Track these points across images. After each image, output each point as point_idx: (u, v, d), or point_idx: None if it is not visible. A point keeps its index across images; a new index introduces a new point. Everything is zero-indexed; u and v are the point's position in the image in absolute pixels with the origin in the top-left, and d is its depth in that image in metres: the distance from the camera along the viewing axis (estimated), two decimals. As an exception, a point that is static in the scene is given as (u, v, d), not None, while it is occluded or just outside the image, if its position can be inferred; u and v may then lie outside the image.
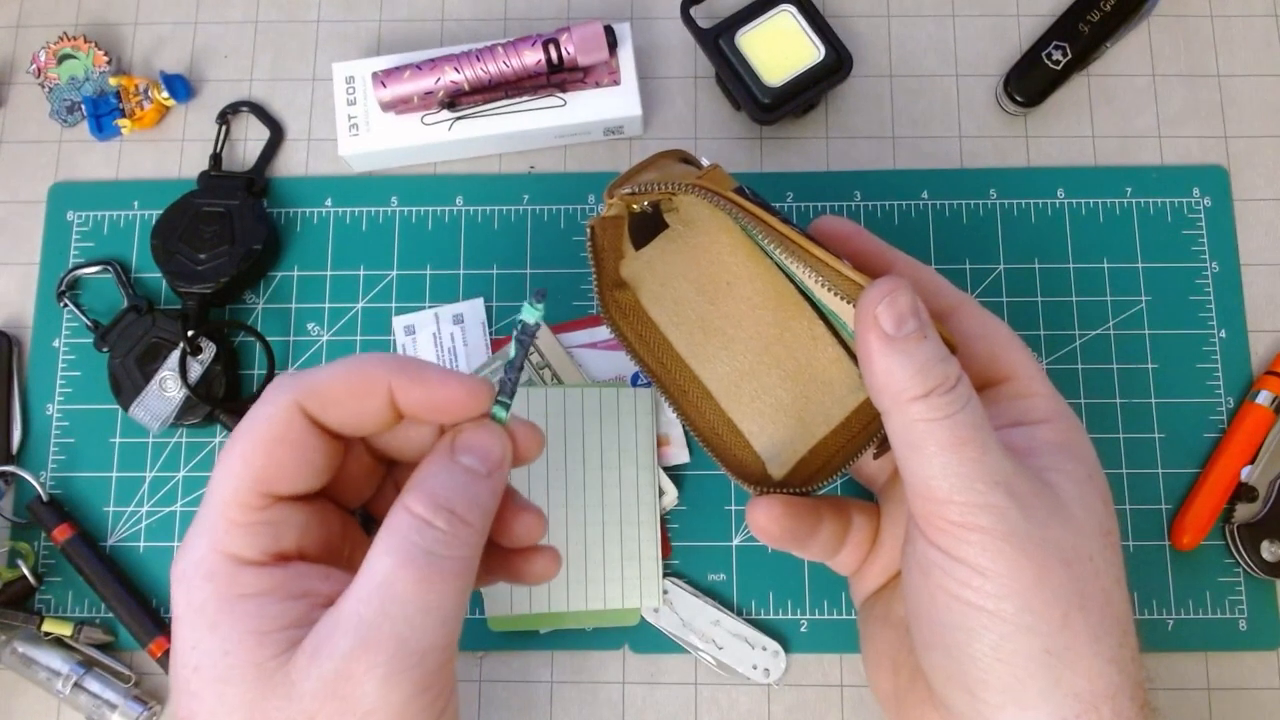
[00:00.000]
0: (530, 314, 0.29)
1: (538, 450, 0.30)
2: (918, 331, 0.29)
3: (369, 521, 0.32)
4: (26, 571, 0.46)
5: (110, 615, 0.46)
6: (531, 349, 0.48)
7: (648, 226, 0.38)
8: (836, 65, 0.48)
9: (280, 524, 0.27)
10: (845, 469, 0.36)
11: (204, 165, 0.51)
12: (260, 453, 0.27)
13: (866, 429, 0.36)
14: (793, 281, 0.38)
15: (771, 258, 0.37)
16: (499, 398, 0.29)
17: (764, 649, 0.45)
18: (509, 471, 0.29)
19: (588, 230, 0.37)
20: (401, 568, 0.25)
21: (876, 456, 0.35)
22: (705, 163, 0.35)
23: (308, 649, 0.25)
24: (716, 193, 0.32)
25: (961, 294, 0.36)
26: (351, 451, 0.30)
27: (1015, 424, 0.33)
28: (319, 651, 0.25)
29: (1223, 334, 0.49)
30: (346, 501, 0.31)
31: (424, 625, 0.25)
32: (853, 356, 0.38)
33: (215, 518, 0.27)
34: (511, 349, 0.29)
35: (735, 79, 0.48)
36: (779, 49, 0.48)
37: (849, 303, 0.31)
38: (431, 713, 0.26)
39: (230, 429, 0.48)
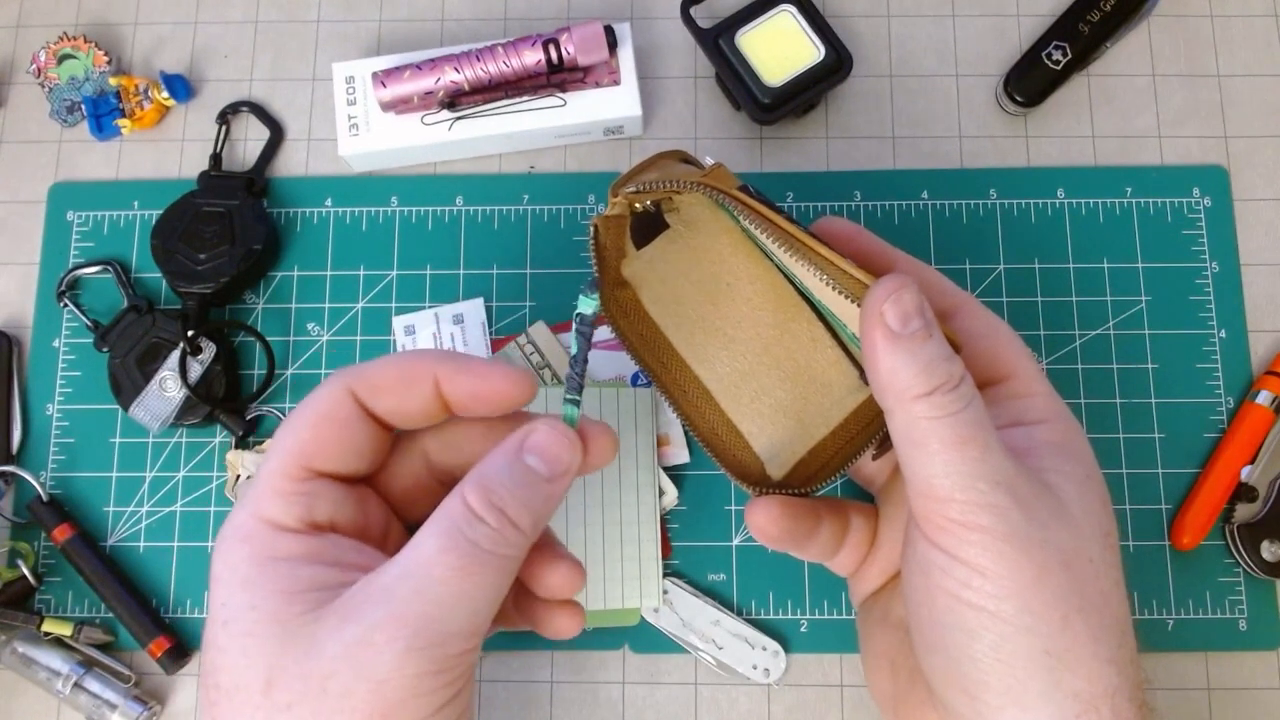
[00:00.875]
0: (586, 305, 0.29)
1: (612, 454, 0.30)
2: (923, 330, 0.29)
3: None
4: (26, 571, 0.46)
5: (110, 615, 0.46)
6: (532, 350, 0.48)
7: (649, 226, 0.38)
8: (836, 65, 0.48)
9: (316, 496, 0.28)
10: (844, 470, 0.36)
11: (204, 165, 0.51)
12: (307, 427, 0.28)
13: (865, 430, 0.36)
14: (793, 283, 0.38)
15: (772, 259, 0.37)
16: (567, 395, 0.29)
17: (764, 649, 0.45)
18: (572, 480, 0.29)
19: (591, 229, 0.37)
20: (444, 552, 0.26)
21: (875, 458, 0.35)
22: (709, 162, 0.35)
23: (337, 611, 0.26)
24: (721, 190, 0.32)
25: (964, 293, 0.36)
26: (405, 455, 0.31)
27: (1014, 424, 0.33)
28: (348, 616, 0.25)
29: (1223, 334, 0.49)
30: (403, 513, 0.32)
31: (454, 611, 0.26)
32: (852, 358, 0.38)
33: (260, 487, 0.28)
34: (573, 344, 0.29)
35: (735, 79, 0.48)
36: (779, 49, 0.48)
37: (853, 301, 0.30)
38: (443, 695, 0.26)
39: (230, 429, 0.48)
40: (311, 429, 0.28)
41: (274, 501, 0.28)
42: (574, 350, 0.29)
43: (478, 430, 0.31)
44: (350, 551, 0.28)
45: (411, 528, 0.30)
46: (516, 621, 0.32)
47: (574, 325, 0.30)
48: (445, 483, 0.31)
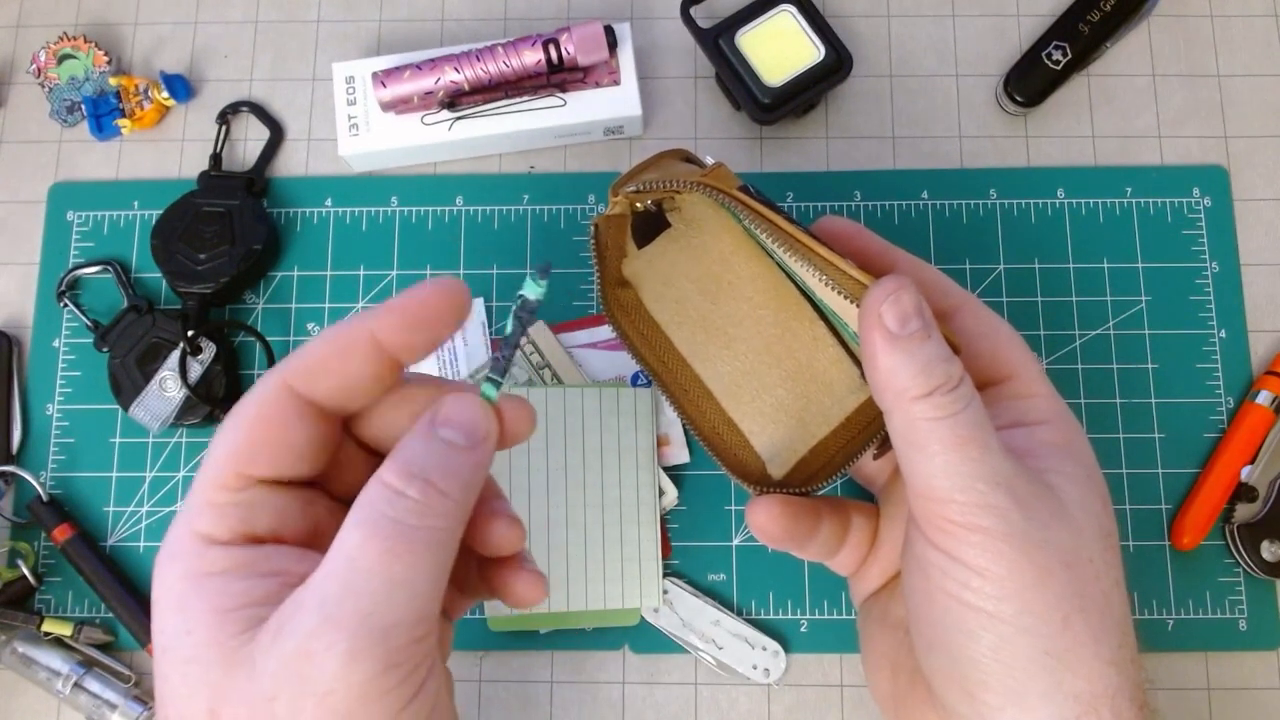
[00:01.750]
0: (532, 289, 0.27)
1: (529, 427, 0.28)
2: (921, 331, 0.29)
3: None
4: (26, 571, 0.46)
5: (110, 615, 0.46)
6: (532, 350, 0.48)
7: (650, 225, 0.38)
8: (836, 65, 0.48)
9: (255, 505, 0.26)
10: (845, 469, 0.36)
11: (204, 165, 0.51)
12: (240, 432, 0.26)
13: (866, 430, 0.36)
14: (794, 282, 0.38)
15: (773, 257, 0.37)
16: (489, 375, 0.27)
17: (764, 649, 0.45)
18: (493, 447, 0.27)
19: (591, 228, 0.37)
20: (368, 540, 0.24)
21: (876, 457, 0.35)
22: (709, 161, 0.35)
23: (271, 627, 0.24)
24: (721, 190, 0.32)
25: (964, 293, 0.36)
26: (351, 452, 0.29)
27: (1015, 425, 0.33)
28: (281, 630, 0.24)
29: (1223, 334, 0.49)
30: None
31: (390, 600, 0.23)
32: (853, 357, 0.38)
33: (192, 500, 0.26)
34: (509, 325, 0.27)
35: (735, 79, 0.48)
36: (779, 49, 0.48)
37: (853, 302, 0.31)
38: (402, 693, 0.24)
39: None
40: (245, 432, 0.26)
41: (206, 514, 0.25)
42: (508, 331, 0.27)
43: (419, 404, 0.28)
44: (293, 560, 0.26)
45: None
46: (481, 591, 0.30)
47: (513, 308, 0.27)
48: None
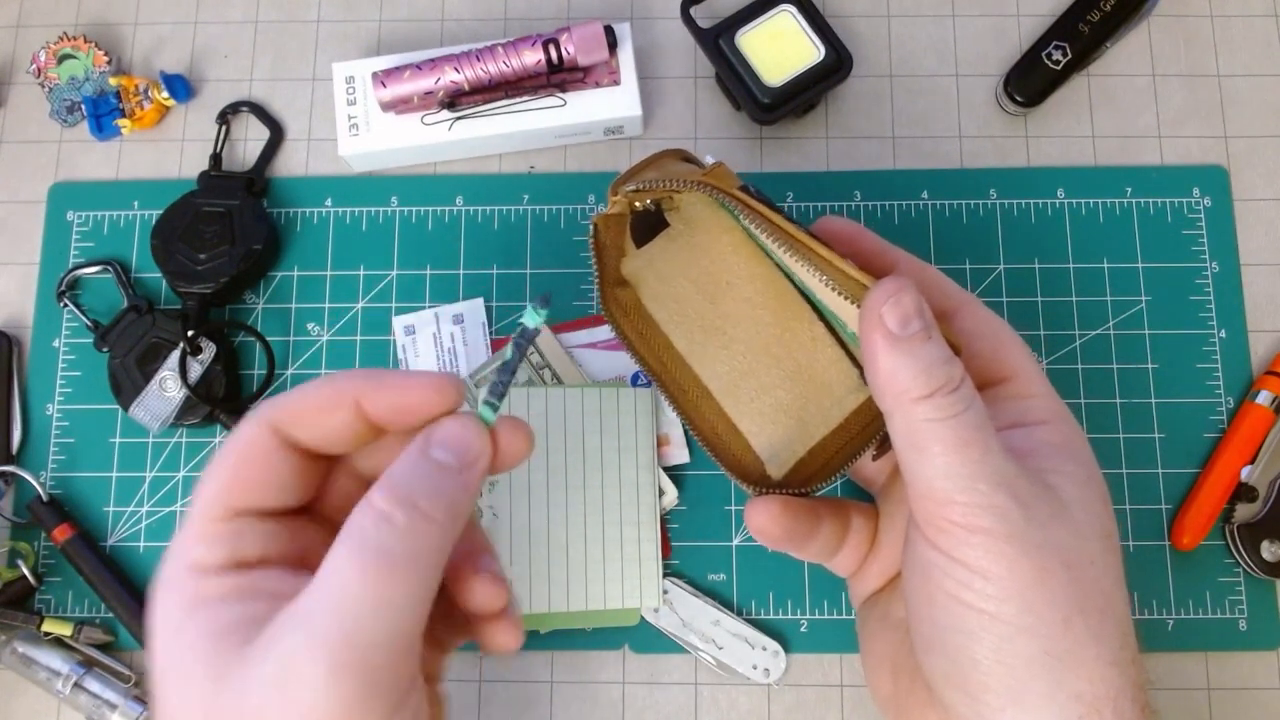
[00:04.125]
0: (532, 318, 0.28)
1: (526, 449, 0.28)
2: (922, 332, 0.29)
3: None
4: (26, 571, 0.46)
5: (110, 615, 0.46)
6: (531, 350, 0.48)
7: (649, 225, 0.38)
8: (836, 65, 0.48)
9: (243, 534, 0.27)
10: (844, 470, 0.36)
11: (204, 165, 0.51)
12: (227, 471, 0.27)
13: (865, 430, 0.36)
14: (793, 282, 0.38)
15: (772, 258, 0.37)
16: (487, 399, 0.28)
17: (764, 649, 0.45)
18: (485, 470, 0.28)
19: (591, 227, 0.37)
20: (352, 563, 0.24)
21: (875, 458, 0.35)
22: (709, 160, 0.35)
23: (260, 645, 0.24)
24: (721, 190, 0.32)
25: (964, 293, 0.36)
26: (341, 475, 0.30)
27: (1015, 425, 0.33)
28: (269, 647, 0.24)
29: (1223, 334, 0.49)
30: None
31: (374, 622, 0.24)
32: (852, 358, 0.38)
33: (184, 534, 0.27)
34: (508, 351, 0.28)
35: (735, 79, 0.48)
36: (779, 49, 0.48)
37: (853, 303, 0.30)
38: (380, 712, 0.24)
39: (230, 429, 0.48)
40: (231, 470, 0.27)
41: (197, 546, 0.27)
42: (508, 356, 0.28)
43: (405, 442, 0.29)
44: (283, 582, 0.26)
45: None
46: (456, 639, 0.31)
47: (513, 336, 0.29)
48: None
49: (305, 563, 0.28)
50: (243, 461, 0.27)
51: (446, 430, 0.27)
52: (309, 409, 0.28)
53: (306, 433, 0.28)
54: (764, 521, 0.35)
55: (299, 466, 0.28)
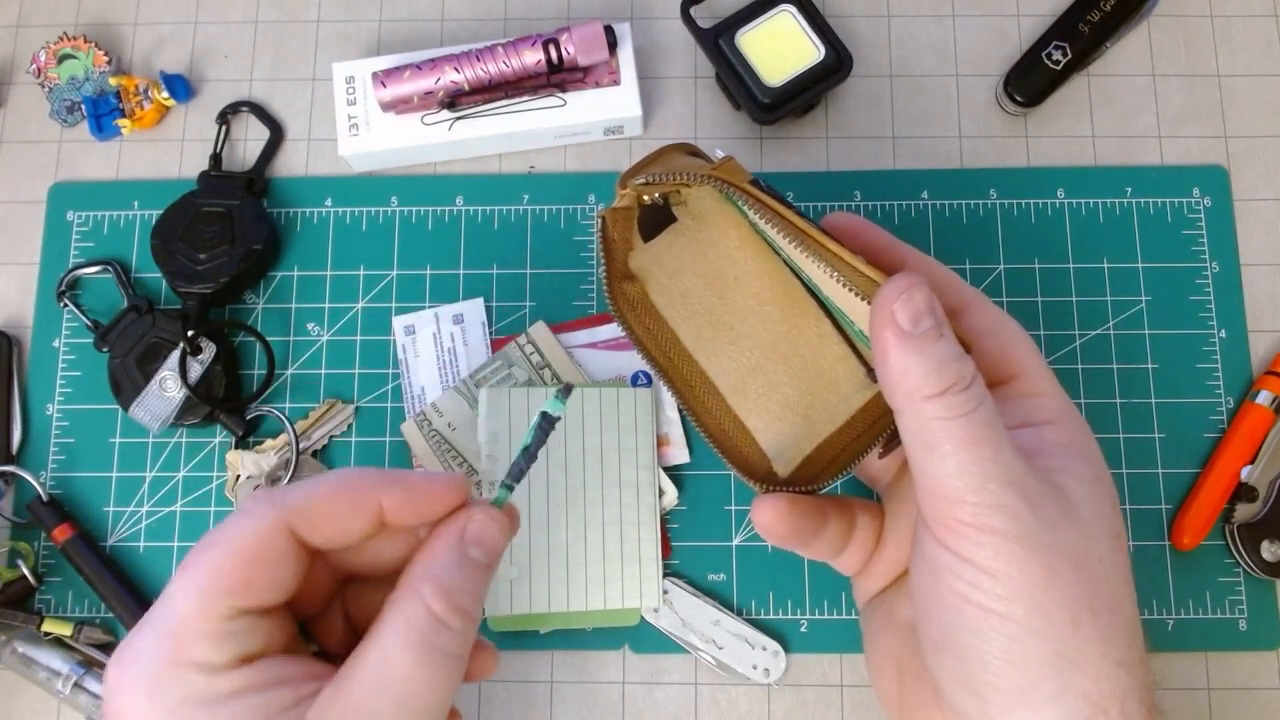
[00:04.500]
0: (555, 407, 0.29)
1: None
2: (934, 329, 0.29)
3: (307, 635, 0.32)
4: (26, 571, 0.46)
5: (110, 615, 0.46)
6: (532, 350, 0.48)
7: (657, 219, 0.38)
8: (836, 65, 0.48)
9: (247, 633, 0.27)
10: (850, 468, 0.36)
11: (204, 165, 0.51)
12: (237, 568, 0.26)
13: (872, 428, 0.36)
14: (800, 279, 0.38)
15: (780, 254, 0.37)
16: (505, 481, 0.29)
17: (764, 649, 0.45)
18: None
19: (598, 220, 0.36)
20: (420, 667, 0.26)
21: (882, 456, 0.35)
22: (719, 154, 0.35)
23: None
24: (732, 184, 0.32)
25: (973, 290, 0.36)
26: (313, 565, 0.30)
27: (1023, 424, 0.32)
28: None
29: (1223, 334, 0.49)
30: (297, 612, 0.31)
31: (429, 711, 0.26)
32: (859, 355, 0.37)
33: (176, 628, 0.26)
34: (528, 437, 0.29)
35: (735, 79, 0.48)
36: (779, 49, 0.48)
37: (863, 299, 0.30)
38: None
39: (230, 429, 0.48)
40: (241, 570, 0.26)
41: (200, 645, 0.26)
42: (527, 441, 0.29)
43: (398, 543, 0.30)
44: (289, 667, 0.27)
45: (302, 622, 0.30)
46: None
47: (536, 421, 0.30)
48: (337, 577, 0.31)
49: (288, 645, 0.29)
50: (256, 563, 0.27)
51: (480, 529, 0.28)
52: (331, 512, 0.28)
53: (324, 534, 0.28)
54: (770, 519, 0.35)
55: (302, 567, 0.28)
